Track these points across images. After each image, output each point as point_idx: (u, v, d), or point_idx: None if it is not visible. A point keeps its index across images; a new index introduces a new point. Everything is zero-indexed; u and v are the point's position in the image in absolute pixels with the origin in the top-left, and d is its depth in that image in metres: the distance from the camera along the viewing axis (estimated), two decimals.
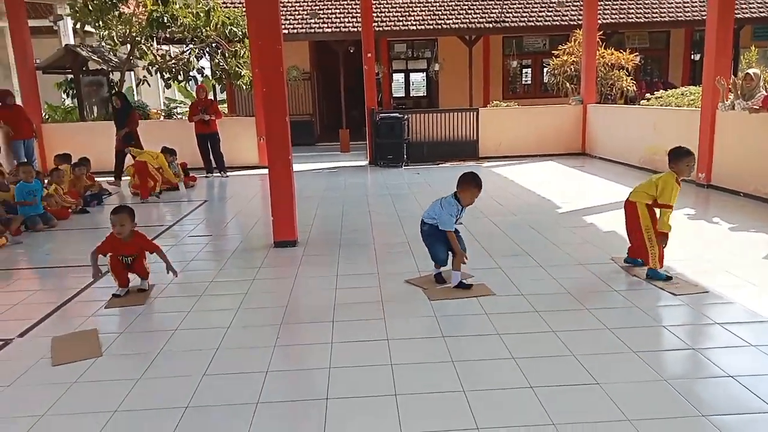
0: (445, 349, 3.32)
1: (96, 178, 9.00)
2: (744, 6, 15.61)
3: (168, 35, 13.01)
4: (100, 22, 12.63)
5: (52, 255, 5.85)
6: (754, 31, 17.25)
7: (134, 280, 4.55)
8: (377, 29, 13.60)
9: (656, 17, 16.08)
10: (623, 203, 4.52)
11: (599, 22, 12.46)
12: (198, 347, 3.47)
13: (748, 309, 3.78)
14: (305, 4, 16.11)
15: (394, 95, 18.65)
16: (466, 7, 16.39)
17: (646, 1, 16.55)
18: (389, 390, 2.90)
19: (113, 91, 10.58)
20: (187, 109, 19.01)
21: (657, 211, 4.25)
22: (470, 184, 4.21)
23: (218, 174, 10.56)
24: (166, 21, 12.32)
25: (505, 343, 3.37)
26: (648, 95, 12.12)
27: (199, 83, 12.52)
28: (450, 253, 4.26)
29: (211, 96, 13.98)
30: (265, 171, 10.82)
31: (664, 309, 3.88)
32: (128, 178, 9.22)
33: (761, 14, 15.88)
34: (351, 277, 4.68)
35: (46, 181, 7.69)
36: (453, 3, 16.47)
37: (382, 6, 16.05)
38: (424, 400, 2.80)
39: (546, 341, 3.40)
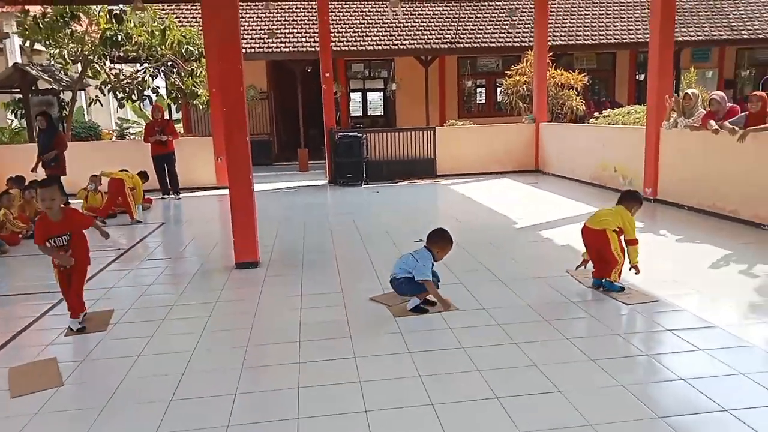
0: (412, 364, 3.39)
1: None
2: (684, 30, 16.51)
3: (122, 54, 12.82)
4: (51, 40, 12.35)
5: (3, 282, 5.65)
6: (693, 54, 18.24)
7: (90, 305, 4.45)
8: (335, 49, 13.74)
9: (603, 39, 16.81)
10: (582, 231, 4.61)
11: (549, 43, 12.95)
12: (163, 372, 3.42)
13: (696, 316, 3.99)
14: (262, 23, 16.16)
15: (351, 114, 18.80)
16: (422, 28, 16.76)
17: (594, 24, 17.30)
18: (359, 407, 2.94)
19: (40, 111, 9.99)
20: (141, 129, 18.72)
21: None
22: (444, 241, 4.28)
23: (173, 196, 10.39)
24: (120, 39, 12.16)
25: (470, 357, 3.45)
26: (596, 114, 12.63)
27: (154, 103, 12.33)
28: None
29: (167, 115, 13.78)
30: (223, 191, 10.86)
31: (618, 318, 4.05)
32: (81, 201, 8.96)
33: (699, 38, 16.83)
34: (315, 297, 4.70)
35: None
36: (409, 24, 16.81)
37: (339, 26, 16.24)
38: (394, 415, 2.86)
39: (509, 353, 3.50)
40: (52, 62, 13.52)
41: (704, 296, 4.43)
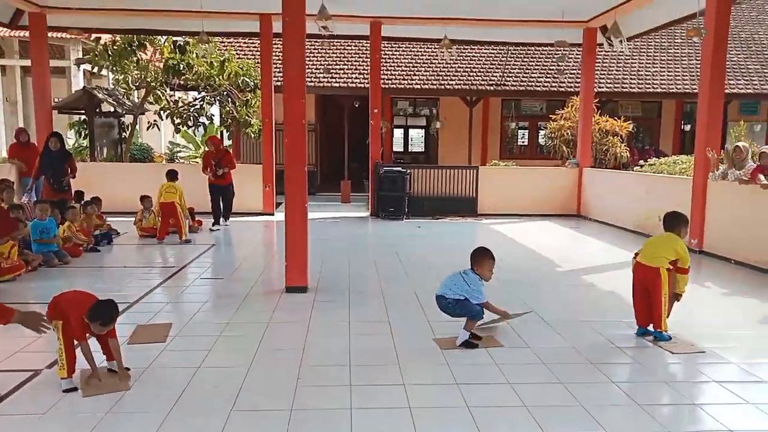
0: (460, 395, 3.50)
1: (106, 218, 9.17)
2: (733, 82, 16.44)
3: (182, 82, 13.51)
4: (117, 67, 13.13)
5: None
6: (741, 106, 18.11)
7: (149, 319, 4.69)
8: (384, 86, 14.17)
9: (649, 88, 16.87)
10: (634, 267, 4.58)
11: (595, 89, 13.10)
12: (222, 385, 3.61)
13: (743, 369, 4.00)
14: (315, 59, 16.79)
15: (393, 149, 19.18)
16: (469, 69, 17.13)
17: (640, 73, 17.39)
18: (410, 430, 3.06)
19: (53, 132, 9.69)
20: (191, 153, 19.45)
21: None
22: (486, 257, 4.35)
23: (222, 221, 10.34)
24: (181, 68, 12.84)
25: (516, 392, 3.55)
26: (641, 162, 12.65)
27: (209, 135, 12.65)
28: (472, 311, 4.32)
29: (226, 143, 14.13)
30: (269, 218, 11.20)
31: (663, 366, 4.08)
32: (133, 218, 9.33)
33: (747, 91, 16.72)
34: (363, 324, 4.86)
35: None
36: (456, 65, 17.22)
37: (388, 65, 16.75)
38: None
39: (555, 392, 3.58)
40: (116, 87, 14.34)
41: (751, 350, 4.41)
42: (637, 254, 4.65)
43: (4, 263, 6.14)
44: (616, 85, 16.87)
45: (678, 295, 4.48)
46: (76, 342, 3.60)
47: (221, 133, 16.74)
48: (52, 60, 16.03)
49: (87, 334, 3.59)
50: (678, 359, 4.17)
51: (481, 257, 4.38)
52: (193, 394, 3.48)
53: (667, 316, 4.46)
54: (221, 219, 10.28)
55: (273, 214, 11.64)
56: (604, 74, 17.04)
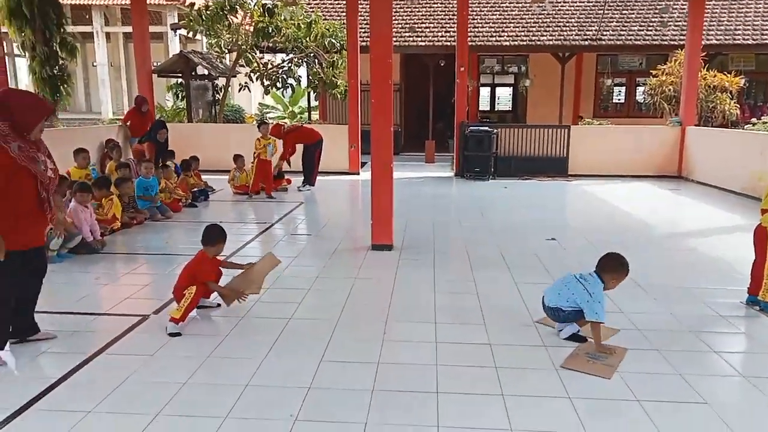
0: (547, 357, 3.44)
1: (203, 176, 9.64)
2: None
3: (271, 44, 13.75)
4: (210, 31, 13.55)
5: (169, 243, 6.40)
6: None
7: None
8: (471, 44, 13.74)
9: (766, 39, 15.27)
10: (756, 231, 4.21)
11: (703, 42, 12.04)
12: (313, 335, 3.75)
13: None
14: (400, 18, 16.53)
15: (480, 109, 18.71)
16: (562, 23, 16.24)
17: (756, 23, 15.77)
18: (496, 390, 3.05)
19: (159, 121, 10.33)
20: (280, 114, 19.96)
21: None
22: (622, 268, 3.61)
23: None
24: (270, 31, 13.05)
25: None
26: (753, 120, 11.59)
27: (274, 123, 10.97)
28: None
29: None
30: (354, 177, 11.34)
31: None
32: (227, 176, 9.73)
33: None
34: (448, 283, 4.86)
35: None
36: (548, 20, 16.37)
37: (476, 21, 16.19)
38: (527, 402, 2.94)
39: (650, 359, 3.43)
40: (210, 51, 14.84)
41: None
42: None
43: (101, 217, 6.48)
44: (727, 37, 15.40)
45: None
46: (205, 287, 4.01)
47: (308, 94, 16.99)
48: (150, 26, 16.84)
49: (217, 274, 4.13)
50: None
51: (615, 266, 3.59)
52: (286, 343, 3.64)
53: None
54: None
55: (359, 174, 11.77)
56: (713, 25, 15.59)
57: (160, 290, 4.65)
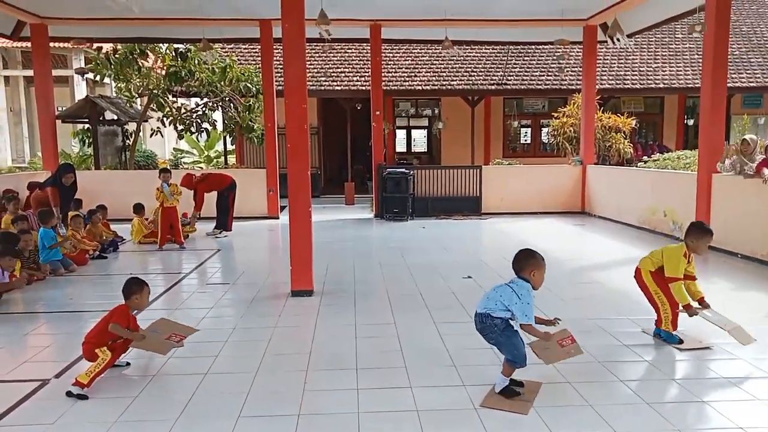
0: (467, 397, 3.50)
1: (111, 226, 9.20)
2: (735, 75, 16.38)
3: (184, 88, 13.55)
4: (119, 75, 13.17)
5: (74, 299, 6.01)
6: (744, 100, 18.04)
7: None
8: (385, 88, 14.17)
9: (651, 84, 16.83)
10: (634, 275, 4.55)
11: (597, 86, 13.06)
12: (229, 391, 3.62)
13: (752, 365, 3.97)
14: (316, 63, 16.81)
15: (396, 150, 19.18)
16: (470, 69, 17.13)
17: (642, 69, 17.34)
18: None
19: (64, 164, 9.35)
20: (195, 159, 19.52)
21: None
22: (537, 260, 3.50)
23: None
24: (183, 75, 12.87)
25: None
26: (645, 158, 12.60)
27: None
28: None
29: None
30: (273, 221, 11.22)
31: (671, 364, 4.07)
32: (130, 227, 9.29)
33: (750, 84, 16.66)
34: (369, 327, 4.86)
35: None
36: (457, 66, 17.22)
37: (389, 66, 16.76)
38: None
39: (561, 392, 3.57)
40: (119, 95, 14.38)
41: (760, 346, 4.38)
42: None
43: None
44: (618, 82, 16.84)
45: (687, 306, 4.24)
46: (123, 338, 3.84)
47: (224, 138, 16.77)
48: (54, 69, 16.15)
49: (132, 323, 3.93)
50: (685, 356, 4.15)
51: (533, 260, 3.48)
52: (201, 401, 3.49)
53: (673, 318, 4.36)
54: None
55: (278, 218, 11.66)
56: (605, 71, 17.01)
57: (63, 351, 4.35)
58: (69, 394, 3.53)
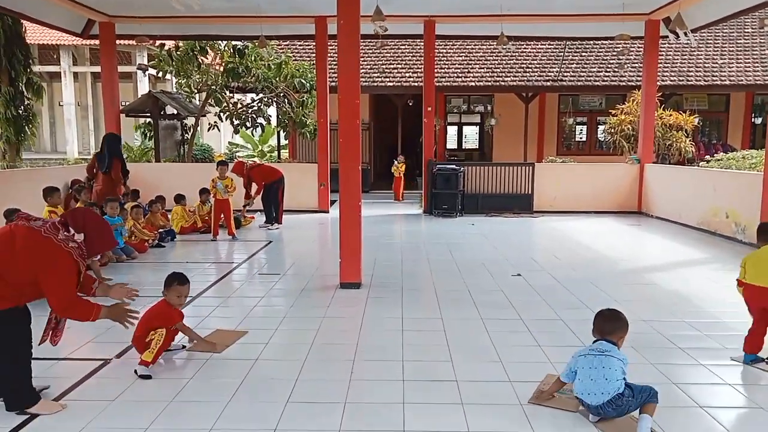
0: (514, 394, 3.48)
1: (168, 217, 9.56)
2: None
3: (241, 84, 13.91)
4: (180, 71, 13.65)
5: (132, 286, 6.27)
6: None
7: (210, 312, 4.87)
8: (438, 85, 14.12)
9: (716, 81, 16.09)
10: (747, 291, 3.97)
11: (658, 83, 12.61)
12: (279, 377, 3.72)
13: None
14: (369, 60, 16.92)
15: (447, 147, 19.09)
16: (525, 65, 16.85)
17: (707, 65, 16.62)
18: (462, 427, 3.07)
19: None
20: (249, 153, 19.99)
21: None
22: (624, 324, 3.33)
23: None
24: (241, 72, 13.21)
25: None
26: (707, 157, 12.11)
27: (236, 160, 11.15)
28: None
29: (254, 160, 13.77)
30: (324, 215, 11.39)
31: (754, 387, 3.91)
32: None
33: None
34: (416, 321, 4.89)
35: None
36: (512, 61, 16.96)
37: (442, 63, 16.68)
38: None
39: None
40: (179, 91, 14.91)
41: None
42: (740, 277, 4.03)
43: None
44: (680, 78, 16.18)
45: None
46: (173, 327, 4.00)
47: (278, 133, 17.12)
48: (119, 66, 16.88)
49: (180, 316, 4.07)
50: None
51: (625, 326, 3.32)
52: (251, 385, 3.61)
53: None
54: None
55: (328, 212, 11.82)
56: (667, 67, 16.39)
57: (123, 333, 4.55)
58: (135, 372, 3.73)
